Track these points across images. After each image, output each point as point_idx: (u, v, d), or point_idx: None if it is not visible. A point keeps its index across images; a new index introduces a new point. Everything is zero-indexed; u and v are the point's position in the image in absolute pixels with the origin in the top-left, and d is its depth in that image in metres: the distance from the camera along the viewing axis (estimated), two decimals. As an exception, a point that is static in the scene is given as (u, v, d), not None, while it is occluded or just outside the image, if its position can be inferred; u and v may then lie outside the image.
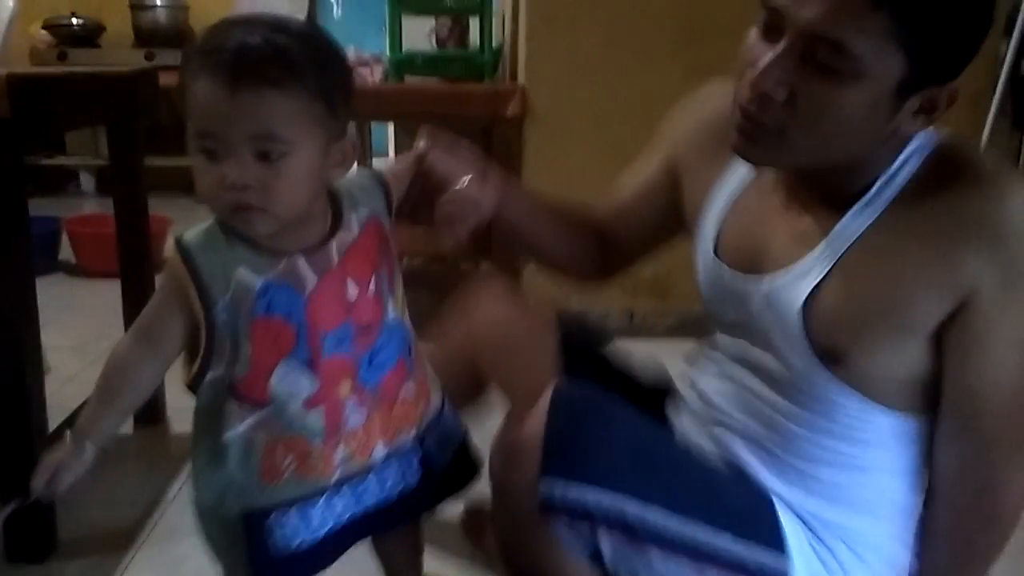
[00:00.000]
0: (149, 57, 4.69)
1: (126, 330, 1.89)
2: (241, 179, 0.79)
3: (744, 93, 0.86)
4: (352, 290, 0.88)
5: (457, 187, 0.99)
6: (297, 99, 0.79)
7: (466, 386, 1.18)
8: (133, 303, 1.93)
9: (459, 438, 1.05)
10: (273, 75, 0.78)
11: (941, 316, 0.86)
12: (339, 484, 0.91)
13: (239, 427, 0.88)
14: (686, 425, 1.10)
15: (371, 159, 3.33)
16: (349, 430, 0.91)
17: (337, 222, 0.90)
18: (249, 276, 0.83)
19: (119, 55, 4.70)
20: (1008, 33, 2.50)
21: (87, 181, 5.10)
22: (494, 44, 2.90)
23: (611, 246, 1.23)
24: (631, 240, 1.22)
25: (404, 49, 2.79)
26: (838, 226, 0.91)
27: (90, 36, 4.90)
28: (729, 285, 1.01)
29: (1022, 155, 2.61)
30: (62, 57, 4.67)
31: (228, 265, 0.84)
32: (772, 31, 0.84)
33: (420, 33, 3.10)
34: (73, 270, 3.29)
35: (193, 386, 0.89)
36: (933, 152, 0.89)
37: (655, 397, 1.19)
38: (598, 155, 2.58)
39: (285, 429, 0.88)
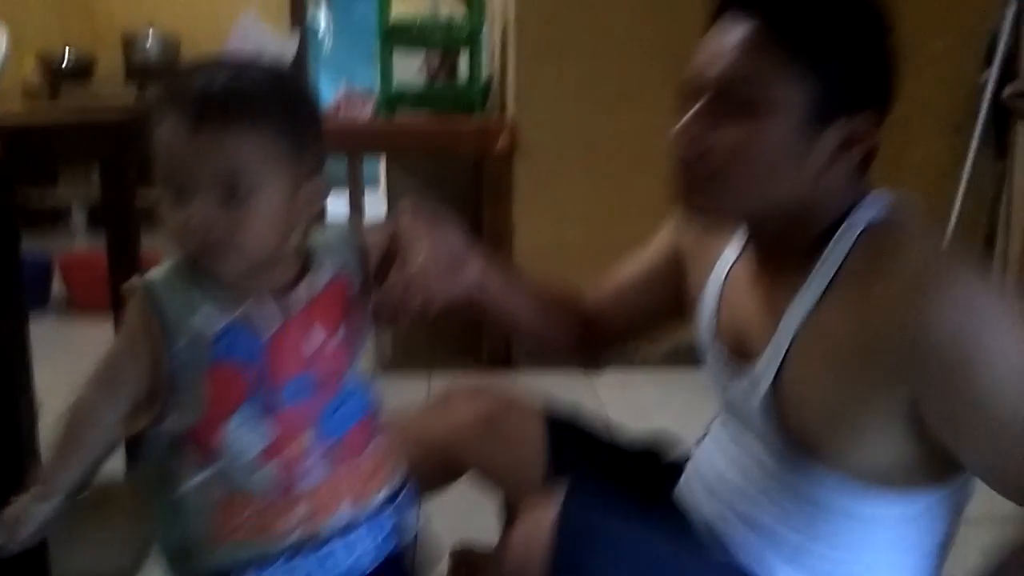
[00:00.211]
0: (141, 92, 4.73)
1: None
2: (207, 219, 0.78)
3: (674, 150, 0.89)
4: (316, 338, 0.86)
5: (409, 270, 0.92)
6: (262, 137, 0.79)
7: (438, 478, 1.15)
8: (125, 340, 1.93)
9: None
10: (236, 113, 0.78)
11: (901, 410, 0.82)
12: (299, 546, 0.85)
13: (192, 480, 0.84)
14: (695, 496, 1.06)
15: (363, 191, 3.34)
16: (309, 486, 0.86)
17: (305, 271, 0.88)
18: (211, 317, 0.82)
19: (111, 88, 4.73)
20: (988, 63, 2.55)
21: (79, 216, 5.11)
22: (483, 77, 2.93)
23: (600, 331, 1.21)
24: (624, 326, 1.21)
25: (395, 83, 2.82)
26: (790, 307, 0.88)
27: (82, 71, 4.93)
28: (725, 369, 1.00)
29: (1005, 183, 2.64)
30: (54, 92, 4.69)
31: (192, 305, 0.82)
32: (693, 98, 0.88)
33: (411, 67, 3.14)
34: (66, 307, 3.30)
35: (143, 437, 0.85)
36: (872, 224, 0.86)
37: (649, 462, 1.18)
38: (587, 188, 2.60)
39: (239, 483, 0.84)
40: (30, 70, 4.79)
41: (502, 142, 2.57)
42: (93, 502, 1.48)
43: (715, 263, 1.04)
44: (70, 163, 3.04)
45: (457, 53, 3.05)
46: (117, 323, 1.91)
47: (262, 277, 0.84)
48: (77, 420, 0.86)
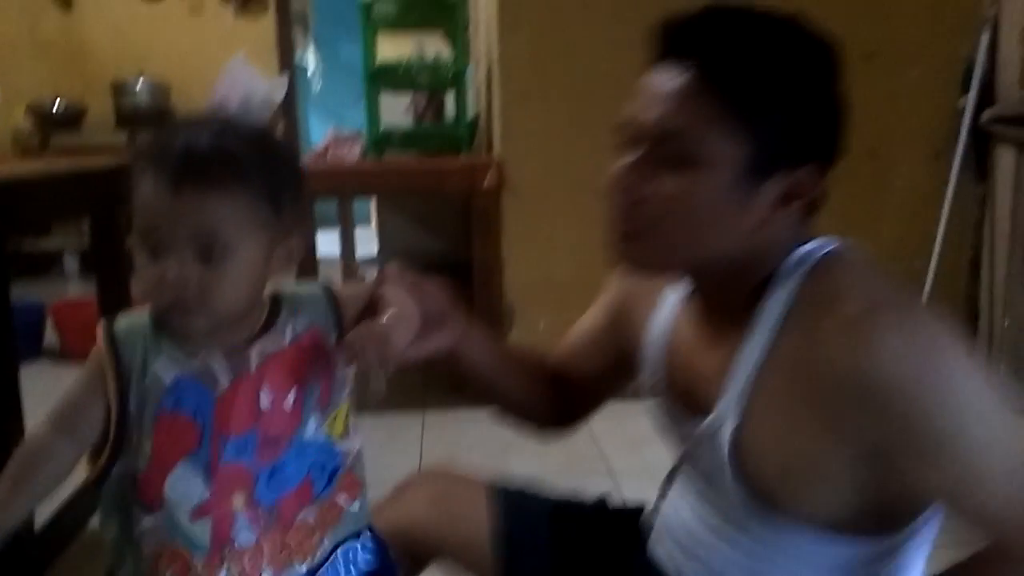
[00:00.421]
0: (132, 138, 4.76)
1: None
2: (181, 277, 0.79)
3: (609, 197, 0.87)
4: (265, 399, 0.85)
5: (379, 320, 0.88)
6: (240, 200, 0.80)
7: (410, 568, 1.11)
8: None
9: None
10: (216, 176, 0.79)
11: (860, 454, 0.79)
12: None
13: (138, 527, 0.84)
14: (669, 553, 1.04)
15: (355, 230, 3.37)
16: (236, 548, 0.84)
17: (268, 327, 0.87)
18: (164, 369, 0.82)
19: (102, 137, 4.76)
20: (966, 89, 2.59)
21: (71, 263, 5.12)
22: (470, 117, 2.97)
23: (567, 394, 1.17)
24: (585, 387, 1.17)
25: (383, 125, 2.85)
26: (740, 357, 0.85)
27: (73, 120, 4.97)
28: (678, 422, 0.98)
29: (987, 206, 2.67)
30: (44, 141, 4.73)
31: (148, 355, 0.82)
32: (630, 144, 0.86)
33: (398, 108, 3.18)
34: (58, 355, 3.29)
35: (98, 483, 0.85)
36: (815, 269, 0.84)
37: (610, 520, 1.16)
38: (575, 223, 2.63)
39: (171, 538, 0.83)
40: (21, 121, 4.83)
41: (489, 179, 2.60)
42: (87, 552, 1.48)
43: (657, 313, 1.02)
44: (61, 217, 3.05)
45: (443, 94, 3.08)
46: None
47: (222, 334, 0.84)
48: (30, 460, 0.84)
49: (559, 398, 1.17)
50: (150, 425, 0.82)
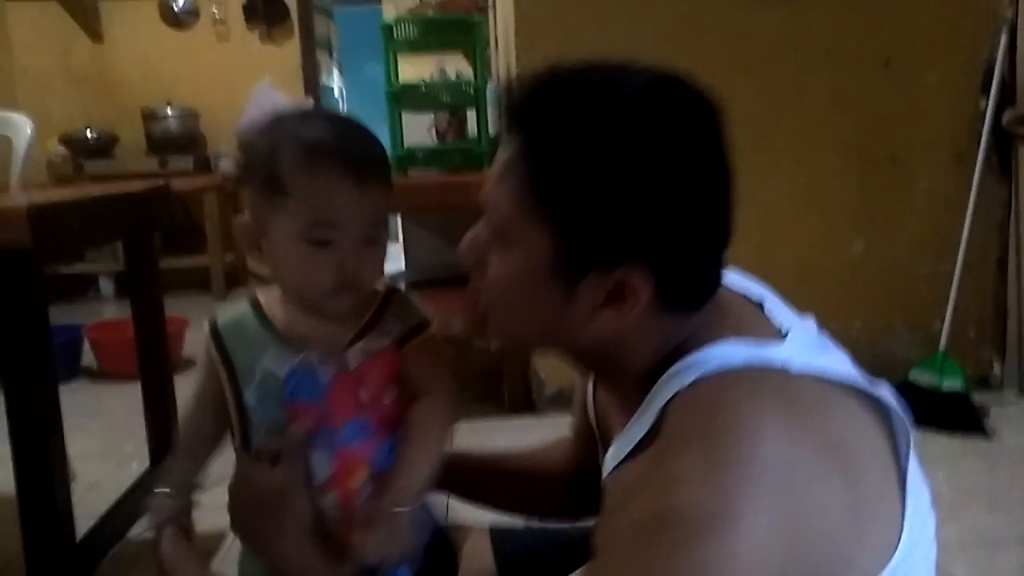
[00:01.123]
0: (162, 164, 4.86)
1: (148, 433, 1.96)
2: (359, 262, 0.87)
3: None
4: (365, 395, 0.90)
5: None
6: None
7: None
8: (153, 405, 1.98)
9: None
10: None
11: None
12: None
13: None
14: None
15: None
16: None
17: (374, 325, 0.92)
18: (274, 363, 0.88)
19: (133, 163, 4.87)
20: (986, 91, 2.59)
21: (106, 285, 5.22)
22: (491, 133, 3.01)
23: (577, 484, 1.09)
24: (590, 472, 1.08)
25: (406, 144, 2.90)
26: (612, 447, 0.79)
27: (105, 147, 5.08)
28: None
29: (1012, 204, 2.66)
30: (78, 169, 4.84)
31: (254, 353, 0.89)
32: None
33: (421, 128, 3.22)
34: (95, 375, 3.36)
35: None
36: (688, 387, 0.70)
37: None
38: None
39: None
40: (54, 150, 4.95)
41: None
42: (127, 559, 1.52)
43: (586, 381, 0.99)
44: (96, 241, 3.12)
45: (464, 112, 3.13)
46: (145, 390, 1.97)
47: (322, 331, 0.90)
48: (184, 431, 0.97)
49: (568, 490, 1.10)
50: (277, 412, 0.88)
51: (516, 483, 1.12)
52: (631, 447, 0.75)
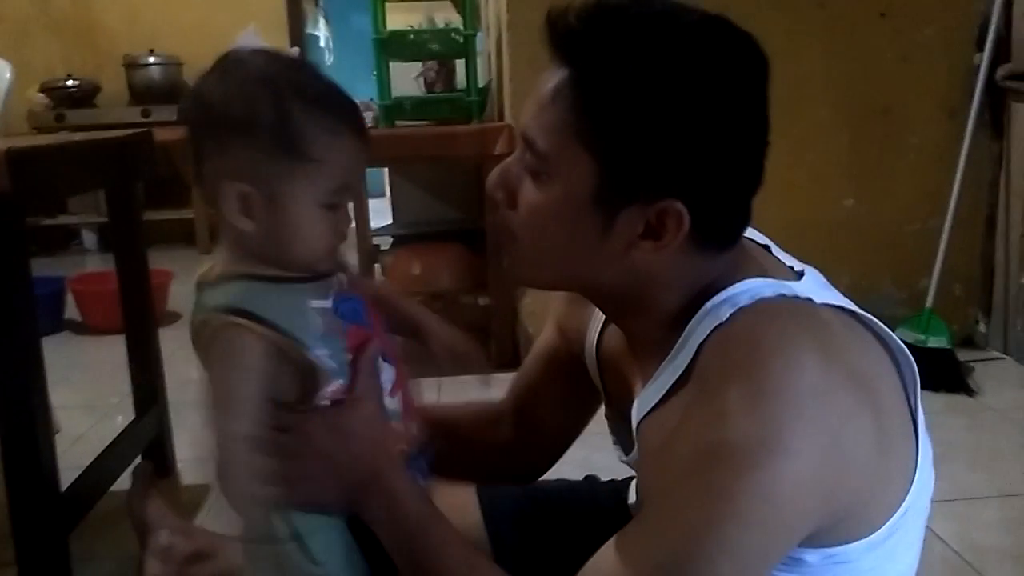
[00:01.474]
0: (145, 114, 4.78)
1: (133, 386, 1.95)
2: (350, 216, 0.86)
3: (489, 196, 0.83)
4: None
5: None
6: None
7: None
8: (138, 358, 1.97)
9: None
10: None
11: None
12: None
13: None
14: None
15: (368, 201, 3.38)
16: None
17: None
18: (320, 302, 0.84)
19: (116, 114, 4.79)
20: (980, 46, 2.56)
21: (89, 238, 5.17)
22: (481, 84, 2.96)
23: (533, 434, 1.13)
24: (549, 416, 1.12)
25: (393, 94, 2.85)
26: (642, 393, 0.81)
27: (86, 97, 5.00)
28: (614, 428, 0.98)
29: (1003, 162, 2.65)
30: (59, 118, 4.76)
31: (298, 306, 0.82)
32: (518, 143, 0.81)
33: (408, 77, 3.18)
34: (79, 328, 3.34)
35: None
36: (726, 322, 0.73)
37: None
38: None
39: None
40: (35, 99, 4.86)
41: (500, 146, 2.60)
42: (113, 512, 1.52)
43: (592, 321, 0.99)
44: (78, 192, 3.08)
45: (453, 62, 3.08)
46: (130, 343, 1.96)
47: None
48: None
49: (524, 442, 1.13)
50: (340, 346, 0.83)
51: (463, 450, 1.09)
52: (666, 389, 0.77)
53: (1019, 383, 2.52)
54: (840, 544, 0.75)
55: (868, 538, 0.76)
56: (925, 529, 0.90)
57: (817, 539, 0.74)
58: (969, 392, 2.41)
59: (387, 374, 0.90)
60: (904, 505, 0.77)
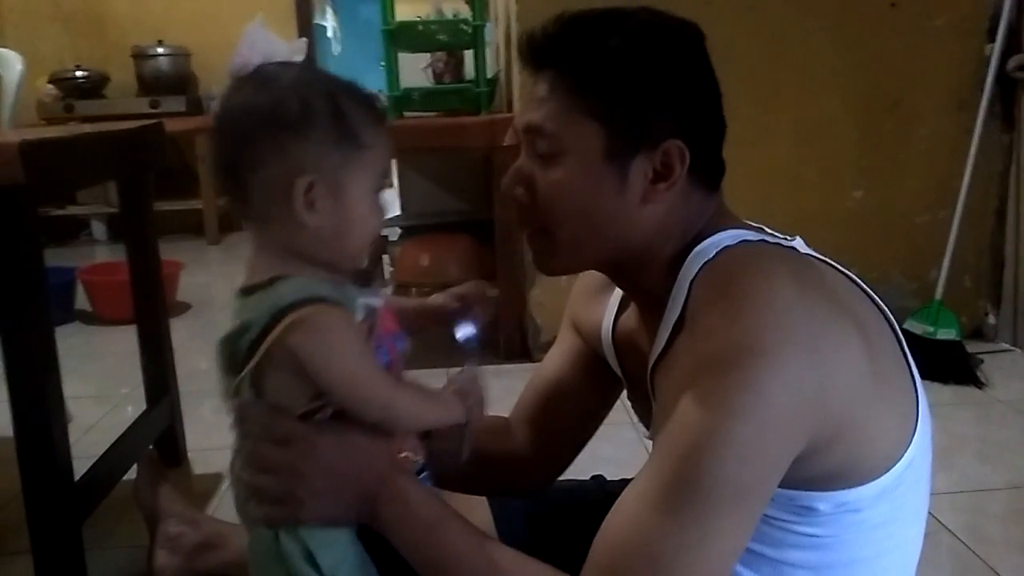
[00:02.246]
0: (154, 105, 4.79)
1: (143, 376, 1.97)
2: None
3: (506, 196, 0.91)
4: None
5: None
6: None
7: None
8: (149, 349, 1.98)
9: None
10: None
11: None
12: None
13: None
14: None
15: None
16: None
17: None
18: (368, 299, 0.88)
19: (125, 104, 4.80)
20: (991, 37, 2.55)
21: (99, 229, 5.19)
22: (490, 75, 2.96)
23: (543, 442, 1.17)
24: (567, 421, 1.17)
25: (402, 85, 2.85)
26: (653, 349, 0.87)
27: (95, 87, 5.01)
28: (638, 408, 1.04)
29: (1013, 153, 2.64)
30: (68, 109, 4.77)
31: (350, 299, 0.86)
32: (519, 149, 0.91)
33: (417, 68, 3.17)
34: (90, 318, 3.36)
35: None
36: (712, 258, 0.82)
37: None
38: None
39: None
40: (44, 90, 4.87)
41: (509, 136, 2.59)
42: (126, 500, 1.53)
43: (605, 312, 1.06)
44: (89, 184, 3.08)
45: (462, 53, 3.07)
46: (141, 332, 1.97)
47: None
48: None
49: (538, 451, 1.17)
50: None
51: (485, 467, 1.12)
52: (668, 332, 0.84)
53: (1028, 375, 2.52)
54: (849, 487, 0.80)
55: (875, 482, 0.81)
56: (928, 511, 0.93)
57: (826, 482, 0.79)
58: (978, 384, 2.41)
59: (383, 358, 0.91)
60: (908, 455, 0.83)
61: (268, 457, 0.83)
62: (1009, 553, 1.61)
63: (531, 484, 1.18)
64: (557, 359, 1.18)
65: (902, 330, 0.89)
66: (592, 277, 1.08)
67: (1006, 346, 2.69)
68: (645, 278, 0.90)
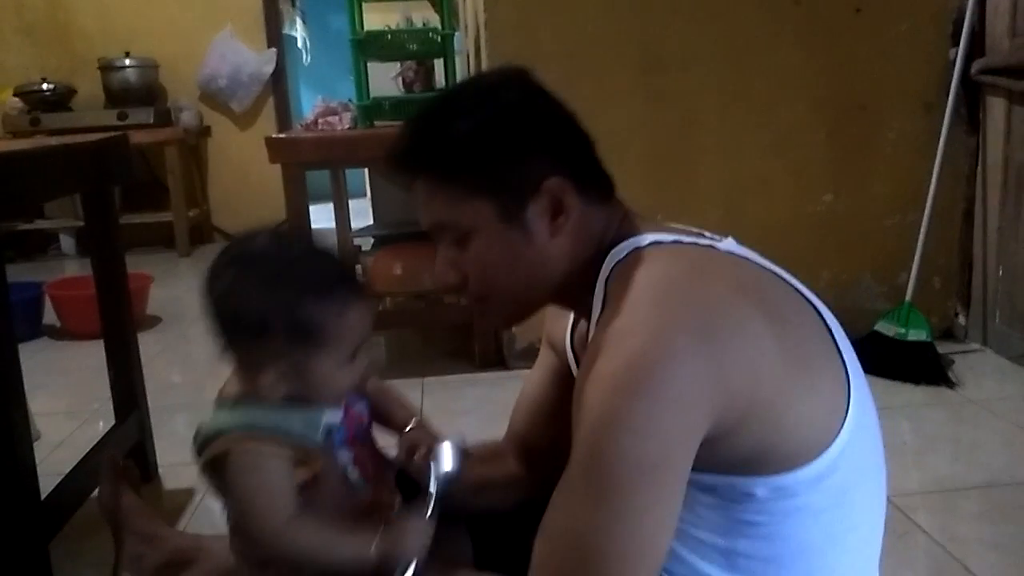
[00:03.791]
0: (122, 117, 4.74)
1: (112, 391, 1.94)
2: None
3: (441, 286, 1.00)
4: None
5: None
6: None
7: None
8: (117, 363, 1.95)
9: None
10: None
11: None
12: None
13: None
14: None
15: (347, 201, 3.37)
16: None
17: None
18: (332, 416, 1.02)
19: (92, 117, 4.75)
20: (956, 41, 2.58)
21: (67, 242, 5.12)
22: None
23: (534, 460, 1.22)
24: (554, 437, 1.15)
25: (372, 95, 2.84)
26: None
27: (61, 100, 4.95)
28: None
29: (979, 155, 2.67)
30: (35, 123, 4.71)
31: (310, 423, 1.00)
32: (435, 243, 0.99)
33: (387, 78, 3.16)
34: (59, 334, 3.30)
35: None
36: (623, 259, 0.91)
37: None
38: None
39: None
40: (10, 103, 4.81)
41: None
42: (95, 518, 1.50)
43: (564, 336, 1.13)
44: (53, 196, 3.04)
45: (432, 62, 3.07)
46: (108, 347, 1.94)
47: None
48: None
49: (530, 471, 1.22)
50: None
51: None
52: (593, 324, 0.90)
53: (999, 375, 2.54)
54: (781, 472, 0.83)
55: (808, 467, 0.84)
56: (887, 506, 0.95)
57: (753, 466, 0.83)
58: (949, 384, 2.43)
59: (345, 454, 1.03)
60: (840, 442, 0.85)
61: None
62: (983, 552, 1.62)
63: (529, 501, 1.19)
64: (536, 378, 1.23)
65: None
66: None
67: (976, 346, 2.72)
68: (579, 294, 0.96)
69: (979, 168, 2.68)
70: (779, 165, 2.67)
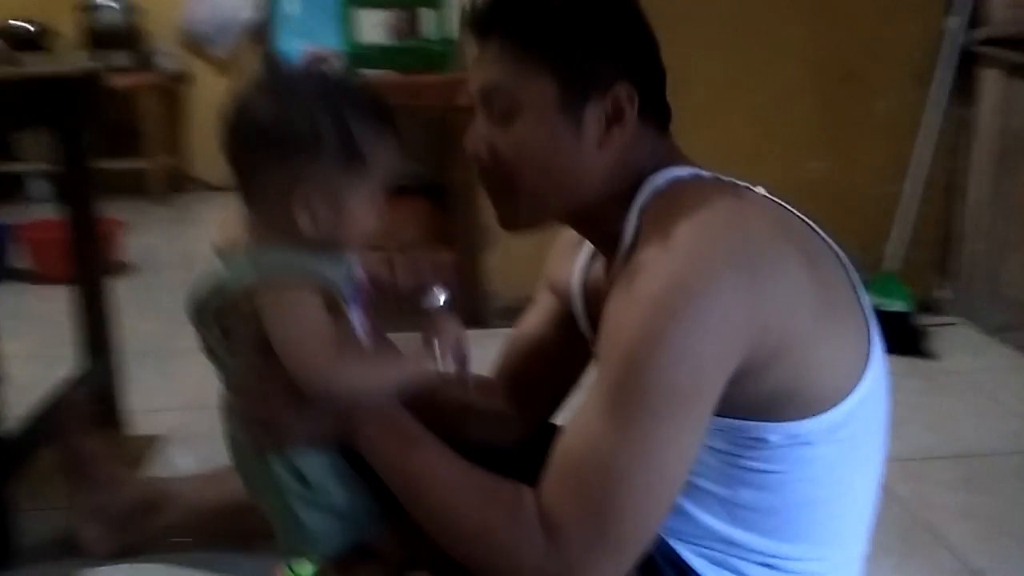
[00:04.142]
0: (98, 59, 4.63)
1: (81, 336, 1.89)
2: None
3: (471, 159, 0.94)
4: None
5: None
6: None
7: None
8: (86, 308, 1.91)
9: None
10: None
11: None
12: None
13: None
14: None
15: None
16: None
17: None
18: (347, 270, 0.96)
19: (71, 59, 4.62)
20: (948, 10, 2.55)
21: (40, 186, 5.01)
22: (450, 35, 2.89)
23: (522, 399, 1.20)
24: (544, 380, 1.19)
25: (358, 42, 2.78)
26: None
27: (35, 39, 4.82)
28: None
29: (970, 131, 2.65)
30: (16, 64, 4.58)
31: (331, 272, 0.93)
32: (474, 113, 0.94)
33: (375, 25, 3.10)
34: (28, 276, 3.24)
35: None
36: (663, 187, 0.88)
37: None
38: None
39: None
40: (-16, 39, 4.67)
41: (464, 96, 2.54)
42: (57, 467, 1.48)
43: (574, 270, 1.08)
44: (22, 127, 2.96)
45: (422, 11, 3.01)
46: (79, 292, 1.90)
47: None
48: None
49: (517, 410, 1.20)
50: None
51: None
52: (624, 260, 0.86)
53: (977, 348, 2.55)
54: (798, 419, 0.82)
55: (825, 415, 0.83)
56: (882, 468, 0.96)
57: (772, 409, 0.82)
58: (927, 356, 2.43)
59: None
60: (859, 392, 0.85)
61: (254, 387, 0.91)
62: (955, 520, 1.63)
63: (513, 439, 1.19)
64: (533, 319, 1.20)
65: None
66: (565, 238, 1.12)
67: (956, 319, 2.72)
68: (606, 221, 0.92)
69: (970, 141, 2.66)
70: (768, 130, 2.65)
